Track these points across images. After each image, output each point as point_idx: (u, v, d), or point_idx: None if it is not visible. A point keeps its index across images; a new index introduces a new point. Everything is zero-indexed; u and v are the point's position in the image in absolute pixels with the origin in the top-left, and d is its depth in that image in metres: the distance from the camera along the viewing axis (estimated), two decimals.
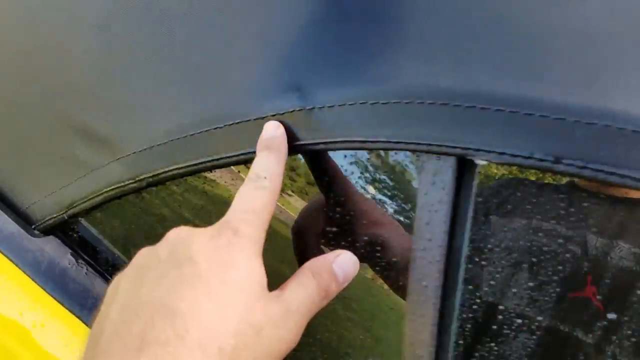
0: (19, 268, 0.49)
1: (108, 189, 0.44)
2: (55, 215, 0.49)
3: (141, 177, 0.42)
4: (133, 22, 0.41)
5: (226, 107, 0.38)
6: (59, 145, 0.47)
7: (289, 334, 0.29)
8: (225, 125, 0.38)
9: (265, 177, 0.32)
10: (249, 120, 0.37)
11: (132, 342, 0.26)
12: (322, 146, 0.35)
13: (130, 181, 0.43)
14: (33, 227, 0.51)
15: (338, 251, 0.32)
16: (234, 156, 0.38)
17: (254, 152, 0.37)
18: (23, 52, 0.48)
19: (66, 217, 0.48)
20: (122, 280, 0.30)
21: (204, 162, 0.39)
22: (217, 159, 0.39)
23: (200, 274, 0.28)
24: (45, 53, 0.46)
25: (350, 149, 0.34)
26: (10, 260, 0.49)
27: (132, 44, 0.41)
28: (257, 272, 0.29)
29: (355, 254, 0.33)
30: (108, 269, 0.50)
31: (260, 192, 0.32)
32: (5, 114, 0.51)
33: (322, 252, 0.42)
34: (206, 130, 0.39)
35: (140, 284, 0.29)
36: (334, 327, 0.50)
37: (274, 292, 0.29)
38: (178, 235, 0.31)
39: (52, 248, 0.49)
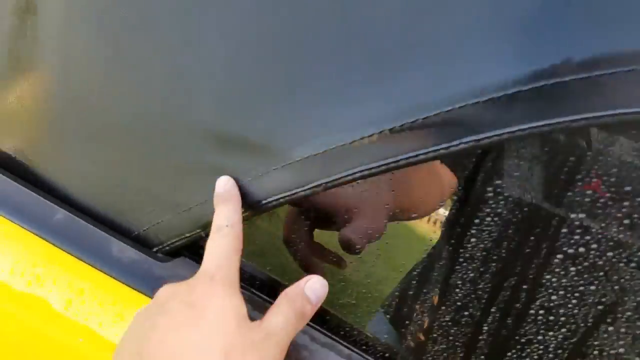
0: None
1: (268, 200, 0.39)
2: (187, 235, 0.43)
3: (316, 183, 0.37)
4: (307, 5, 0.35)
5: (431, 93, 0.33)
6: (192, 157, 0.41)
7: (270, 355, 0.34)
8: (432, 115, 0.33)
9: (226, 225, 0.38)
10: (463, 106, 0.33)
11: None
12: (582, 122, 0.30)
13: (301, 189, 0.38)
14: (155, 250, 0.45)
15: (308, 277, 0.37)
16: (441, 149, 0.34)
17: (467, 143, 0.33)
18: (151, 52, 0.40)
19: (203, 235, 0.42)
20: (127, 340, 0.36)
21: (401, 160, 0.35)
22: (418, 155, 0.34)
23: (188, 318, 0.34)
24: (179, 54, 0.39)
25: (626, 122, 0.30)
26: (143, 293, 0.43)
27: (305, 30, 0.35)
28: (235, 307, 0.35)
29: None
30: (251, 283, 0.45)
31: (225, 239, 0.38)
32: (114, 125, 0.43)
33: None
34: (401, 126, 0.34)
35: (143, 338, 0.34)
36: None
37: (256, 322, 0.35)
38: (164, 292, 0.37)
39: (187, 272, 0.44)
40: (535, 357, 0.48)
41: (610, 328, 0.45)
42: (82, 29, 0.42)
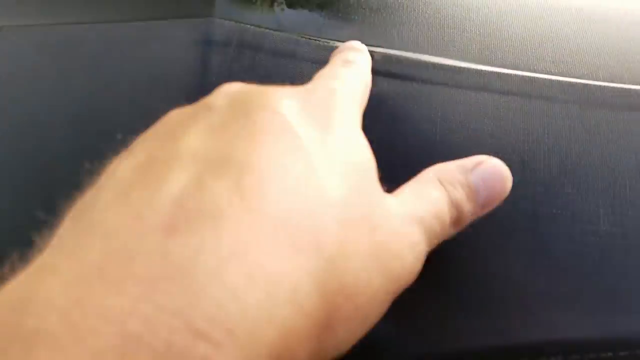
0: None
1: None
2: None
3: None
4: None
5: None
6: None
7: (410, 254, 0.18)
8: None
9: (355, 62, 0.24)
10: None
11: (156, 209, 0.14)
12: None
13: None
14: None
15: (479, 157, 0.21)
16: None
17: None
18: None
19: None
20: (140, 140, 0.18)
21: None
22: None
23: (285, 127, 0.17)
24: None
25: None
26: None
27: None
28: (366, 148, 0.19)
29: None
30: None
31: (353, 71, 0.23)
32: None
33: None
34: None
35: (178, 135, 0.17)
36: None
37: (387, 193, 0.20)
38: (240, 86, 0.20)
39: None
40: None
41: None
42: None
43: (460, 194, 0.20)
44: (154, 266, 0.13)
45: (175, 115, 0.19)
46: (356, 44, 0.26)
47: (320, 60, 0.27)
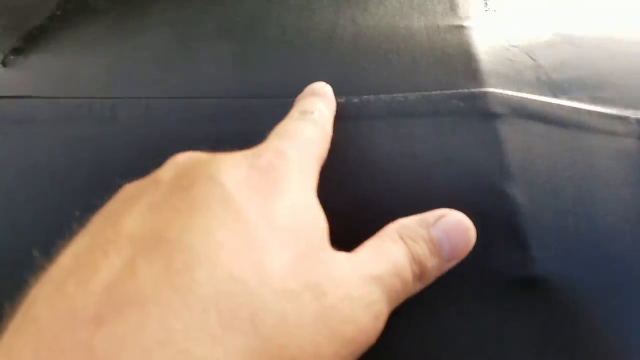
0: None
1: None
2: None
3: None
4: None
5: None
6: None
7: (365, 316, 0.18)
8: None
9: (312, 112, 0.24)
10: None
11: (86, 299, 0.14)
12: None
13: None
14: None
15: (441, 211, 0.21)
16: None
17: None
18: None
19: None
20: (91, 220, 0.18)
21: None
22: None
23: (225, 199, 0.17)
24: None
25: None
26: None
27: None
28: (316, 211, 0.19)
29: None
30: None
31: (309, 124, 0.23)
32: None
33: None
34: None
35: (121, 216, 0.17)
36: None
37: (342, 253, 0.19)
38: (189, 156, 0.20)
39: None
40: None
41: None
42: None
43: (422, 249, 0.20)
44: None
45: (127, 190, 0.19)
46: (318, 86, 0.26)
47: (600, 129, 0.25)
